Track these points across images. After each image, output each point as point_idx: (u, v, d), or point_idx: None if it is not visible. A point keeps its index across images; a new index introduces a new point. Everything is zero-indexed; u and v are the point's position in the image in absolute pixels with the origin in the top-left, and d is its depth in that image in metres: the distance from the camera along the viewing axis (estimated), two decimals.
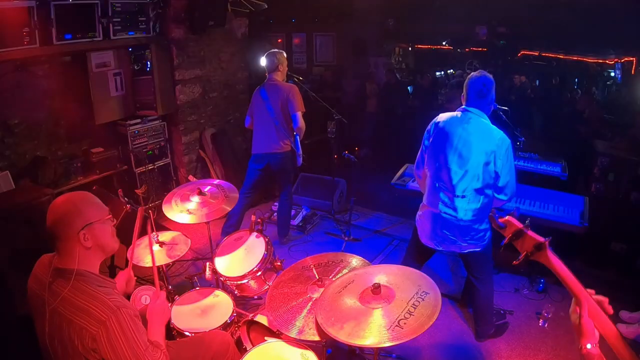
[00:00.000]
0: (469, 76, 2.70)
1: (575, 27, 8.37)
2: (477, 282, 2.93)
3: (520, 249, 1.48)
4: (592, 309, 1.27)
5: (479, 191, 2.62)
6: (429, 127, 2.80)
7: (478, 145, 2.55)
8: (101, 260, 1.69)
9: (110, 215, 1.69)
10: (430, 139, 2.75)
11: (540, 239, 1.43)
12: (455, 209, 2.65)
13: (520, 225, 1.48)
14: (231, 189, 3.06)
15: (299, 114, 3.88)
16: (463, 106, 2.70)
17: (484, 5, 8.89)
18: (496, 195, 2.67)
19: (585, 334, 1.24)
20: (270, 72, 3.95)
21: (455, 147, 2.61)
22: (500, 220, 1.52)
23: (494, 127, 2.62)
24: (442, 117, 2.74)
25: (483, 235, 2.73)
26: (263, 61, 3.99)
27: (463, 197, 2.62)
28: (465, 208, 2.63)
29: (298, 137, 4.07)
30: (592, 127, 5.87)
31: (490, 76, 2.67)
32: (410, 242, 3.11)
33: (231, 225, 4.09)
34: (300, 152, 4.15)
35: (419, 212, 2.92)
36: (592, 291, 1.32)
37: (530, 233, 1.45)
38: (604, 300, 1.30)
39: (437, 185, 2.71)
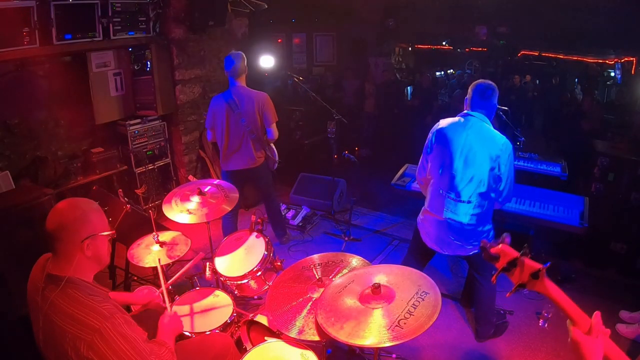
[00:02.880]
0: (475, 82, 2.72)
1: (575, 27, 8.37)
2: (481, 279, 2.93)
3: (513, 280, 1.33)
4: (602, 333, 1.24)
5: (484, 196, 2.61)
6: (430, 135, 2.79)
7: (483, 151, 2.55)
8: (95, 272, 1.69)
9: (113, 231, 1.71)
10: (433, 146, 2.74)
11: (538, 265, 1.30)
12: (460, 215, 2.65)
13: (516, 253, 1.33)
14: (231, 189, 3.06)
15: (274, 126, 3.69)
16: (465, 111, 2.70)
17: (484, 5, 8.89)
18: (495, 198, 2.67)
19: (592, 356, 1.22)
20: (235, 77, 3.61)
21: (459, 153, 2.60)
22: (492, 250, 1.36)
23: (496, 132, 2.62)
24: (444, 123, 2.73)
25: (487, 236, 2.73)
26: (227, 64, 3.62)
27: (469, 202, 2.62)
28: (471, 213, 2.63)
29: (273, 145, 3.95)
30: (592, 127, 5.87)
31: (494, 85, 2.69)
32: (412, 244, 3.10)
33: None
34: (277, 158, 3.98)
35: (420, 217, 2.91)
36: (598, 312, 1.26)
37: (527, 260, 1.32)
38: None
39: (441, 191, 2.69)
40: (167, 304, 2.05)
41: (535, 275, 1.29)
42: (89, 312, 1.47)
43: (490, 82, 2.68)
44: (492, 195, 2.64)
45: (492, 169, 2.55)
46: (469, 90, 2.71)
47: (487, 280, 2.93)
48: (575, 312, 1.27)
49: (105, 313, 1.48)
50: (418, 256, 3.03)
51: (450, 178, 2.63)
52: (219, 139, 3.75)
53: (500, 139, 2.58)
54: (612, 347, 1.25)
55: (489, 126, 2.63)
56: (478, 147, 2.56)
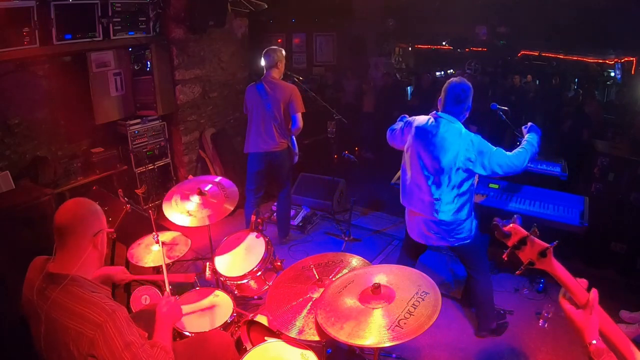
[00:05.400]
0: (449, 81, 2.72)
1: (575, 27, 8.38)
2: (474, 273, 2.99)
3: (522, 258, 1.43)
4: (597, 310, 1.32)
5: (453, 194, 2.67)
6: (405, 123, 2.88)
7: (449, 151, 2.61)
8: (95, 270, 1.71)
9: (112, 229, 1.80)
10: (409, 140, 2.81)
11: (545, 244, 1.39)
12: (433, 211, 2.72)
13: (525, 232, 1.43)
14: (231, 187, 3.05)
15: (299, 115, 3.89)
16: (437, 112, 2.74)
17: (484, 5, 8.90)
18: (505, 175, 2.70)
19: (591, 332, 1.30)
20: (268, 69, 3.91)
21: (427, 152, 2.68)
22: (505, 228, 1.46)
23: (464, 130, 2.66)
24: (418, 121, 2.80)
25: (469, 227, 2.80)
26: (262, 59, 3.98)
27: (438, 199, 2.69)
28: (442, 209, 2.70)
29: (293, 136, 4.09)
30: (594, 128, 5.87)
31: (469, 83, 2.70)
32: (404, 239, 3.19)
33: None
34: (297, 150, 4.18)
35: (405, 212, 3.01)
36: (595, 290, 1.35)
37: (535, 240, 1.42)
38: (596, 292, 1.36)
39: (413, 189, 2.80)
40: (167, 288, 2.04)
41: (543, 253, 1.38)
42: (92, 308, 1.48)
43: (465, 82, 2.68)
44: (464, 191, 2.67)
45: (460, 168, 2.60)
46: (443, 90, 2.72)
47: (479, 273, 2.98)
48: (576, 288, 1.37)
49: (108, 309, 1.49)
50: (409, 250, 3.13)
51: (421, 176, 2.72)
52: (249, 122, 4.02)
53: (467, 136, 2.62)
54: (609, 322, 1.33)
55: (457, 126, 2.66)
56: (443, 146, 2.62)
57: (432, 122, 2.72)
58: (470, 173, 2.65)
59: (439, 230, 2.78)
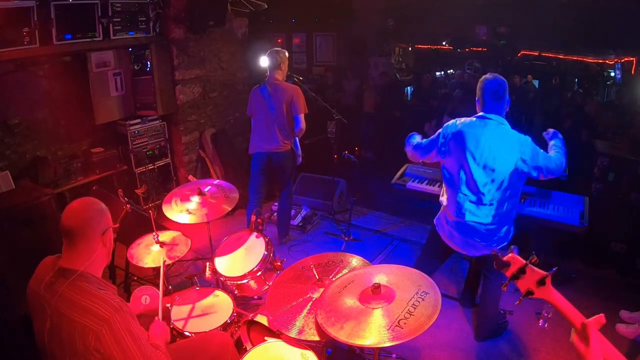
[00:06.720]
0: (482, 79, 2.64)
1: (575, 27, 8.38)
2: (492, 275, 2.91)
3: (521, 288, 1.46)
4: (598, 338, 1.31)
5: (505, 197, 2.61)
6: (444, 131, 2.73)
7: (503, 154, 2.53)
8: (103, 267, 1.73)
9: (117, 224, 1.82)
10: (449, 146, 2.69)
11: (543, 272, 1.41)
12: (481, 217, 2.64)
13: (523, 261, 1.45)
14: (231, 189, 3.06)
15: (302, 116, 3.89)
16: (480, 113, 2.65)
17: (484, 5, 8.90)
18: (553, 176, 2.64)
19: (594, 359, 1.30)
20: (271, 71, 3.91)
21: (479, 156, 2.57)
22: (504, 258, 1.48)
23: (513, 131, 2.60)
24: (460, 124, 2.67)
25: (507, 232, 2.75)
26: (264, 60, 3.98)
27: (490, 204, 2.61)
28: (492, 214, 2.63)
29: (297, 137, 4.09)
30: (596, 128, 5.86)
31: (503, 77, 2.64)
32: (428, 246, 3.10)
33: None
34: (300, 152, 4.18)
35: (441, 219, 2.87)
36: (602, 315, 1.32)
37: (534, 268, 1.43)
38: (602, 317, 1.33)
39: (461, 195, 2.68)
40: (160, 311, 2.06)
41: (541, 281, 1.40)
42: (99, 303, 1.49)
43: (498, 77, 2.62)
44: (514, 195, 2.64)
45: (515, 170, 2.54)
46: (478, 90, 2.64)
47: (497, 275, 2.89)
48: (576, 318, 1.35)
49: (115, 305, 1.51)
50: (434, 258, 3.03)
51: (471, 182, 2.61)
52: (252, 124, 4.05)
53: (518, 137, 2.56)
54: (613, 351, 1.31)
55: (505, 126, 2.60)
56: (498, 150, 2.53)
57: (480, 124, 2.61)
58: (523, 174, 2.58)
59: (484, 237, 2.68)
